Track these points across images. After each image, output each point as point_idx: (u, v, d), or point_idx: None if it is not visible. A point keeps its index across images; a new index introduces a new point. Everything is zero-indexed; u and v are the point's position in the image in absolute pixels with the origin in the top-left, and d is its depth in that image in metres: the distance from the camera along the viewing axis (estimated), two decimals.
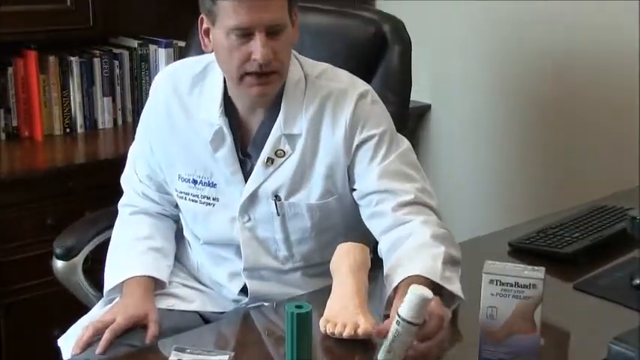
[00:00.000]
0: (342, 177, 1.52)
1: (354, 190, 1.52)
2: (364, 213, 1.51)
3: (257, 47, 1.40)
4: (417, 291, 1.15)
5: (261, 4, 1.39)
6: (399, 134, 1.57)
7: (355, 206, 1.53)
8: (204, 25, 1.47)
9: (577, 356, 1.31)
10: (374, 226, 1.50)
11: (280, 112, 1.50)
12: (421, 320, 1.16)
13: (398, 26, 1.84)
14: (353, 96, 1.50)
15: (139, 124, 1.66)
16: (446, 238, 1.42)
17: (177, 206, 1.64)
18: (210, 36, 1.47)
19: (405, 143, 1.55)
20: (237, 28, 1.40)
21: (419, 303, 1.14)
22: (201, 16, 1.47)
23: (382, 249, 1.47)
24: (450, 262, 1.37)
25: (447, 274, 1.35)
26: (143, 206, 1.65)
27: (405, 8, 2.43)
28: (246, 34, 1.40)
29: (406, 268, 1.34)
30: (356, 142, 1.49)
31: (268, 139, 1.51)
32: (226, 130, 1.52)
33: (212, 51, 1.48)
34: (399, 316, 1.15)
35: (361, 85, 1.55)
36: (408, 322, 1.14)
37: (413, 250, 1.38)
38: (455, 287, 1.34)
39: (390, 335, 1.16)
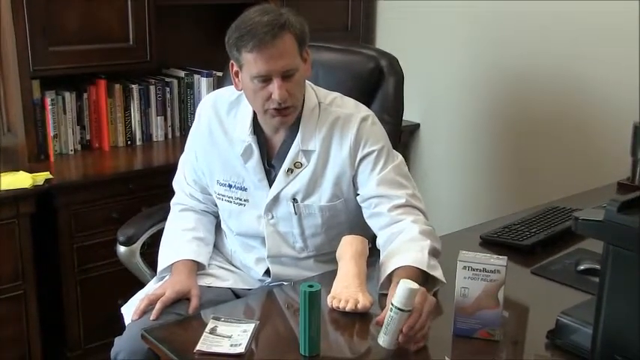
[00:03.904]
0: (348, 184, 1.51)
1: (358, 194, 1.51)
2: (365, 213, 1.51)
3: (275, 89, 1.40)
4: (407, 284, 1.13)
5: (276, 55, 1.38)
6: (394, 150, 1.55)
7: (358, 207, 1.52)
8: (235, 69, 1.46)
9: (532, 326, 1.30)
10: (373, 224, 1.50)
11: (298, 132, 1.50)
12: (410, 307, 1.13)
13: (392, 61, 1.83)
14: (357, 119, 1.50)
15: (188, 139, 1.65)
16: (430, 234, 1.42)
17: (216, 205, 1.64)
18: (240, 77, 1.46)
19: (398, 157, 1.54)
20: (258, 75, 1.40)
21: (407, 293, 1.13)
22: (231, 61, 1.46)
23: (379, 242, 1.47)
24: (433, 253, 1.37)
25: (432, 262, 1.35)
26: (190, 204, 1.65)
27: (399, 46, 2.42)
28: (266, 79, 1.40)
29: (399, 259, 1.34)
30: (359, 156, 1.49)
31: (289, 154, 1.51)
32: (254, 146, 1.51)
33: (242, 89, 1.48)
34: (392, 304, 1.13)
35: (364, 111, 1.54)
36: (400, 310, 1.13)
37: (404, 243, 1.38)
38: (438, 273, 1.35)
39: (385, 321, 1.14)
